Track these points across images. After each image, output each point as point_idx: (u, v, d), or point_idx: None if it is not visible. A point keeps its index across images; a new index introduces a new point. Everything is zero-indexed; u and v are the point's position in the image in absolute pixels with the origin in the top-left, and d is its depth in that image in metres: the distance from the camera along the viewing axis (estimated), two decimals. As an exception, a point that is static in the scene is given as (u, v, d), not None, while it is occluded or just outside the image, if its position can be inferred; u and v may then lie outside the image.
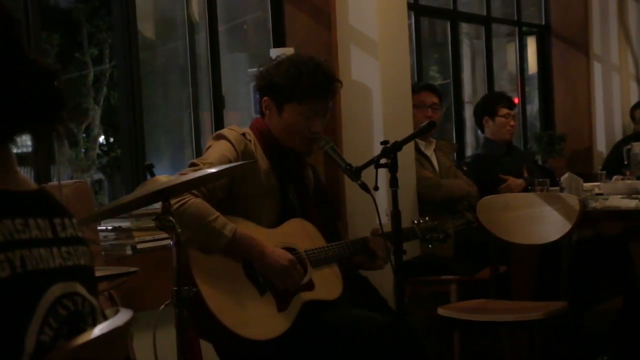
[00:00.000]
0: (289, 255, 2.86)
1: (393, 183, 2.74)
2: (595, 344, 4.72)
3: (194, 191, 2.77)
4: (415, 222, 3.29)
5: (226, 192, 2.90)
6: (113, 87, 9.49)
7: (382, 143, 2.81)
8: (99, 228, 3.48)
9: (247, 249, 2.82)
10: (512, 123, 5.50)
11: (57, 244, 1.33)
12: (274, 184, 3.01)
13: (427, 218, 3.35)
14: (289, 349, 2.82)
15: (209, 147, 3.00)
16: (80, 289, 1.35)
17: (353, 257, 3.14)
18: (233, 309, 2.75)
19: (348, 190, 4.65)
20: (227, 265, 2.81)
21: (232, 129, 3.03)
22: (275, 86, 3.02)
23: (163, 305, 2.57)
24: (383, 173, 2.82)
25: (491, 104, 5.57)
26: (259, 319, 2.78)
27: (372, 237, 3.12)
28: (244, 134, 3.01)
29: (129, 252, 3.52)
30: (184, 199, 2.73)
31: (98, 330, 1.31)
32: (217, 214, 2.78)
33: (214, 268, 2.78)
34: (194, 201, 2.74)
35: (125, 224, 3.54)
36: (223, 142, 2.95)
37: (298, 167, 3.14)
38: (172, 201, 2.43)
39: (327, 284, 2.97)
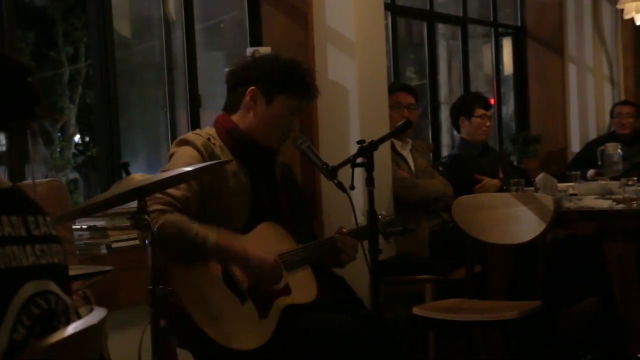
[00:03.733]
0: (272, 257, 2.86)
1: (369, 182, 2.73)
2: (571, 343, 4.75)
3: (167, 207, 2.73)
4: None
5: (199, 198, 2.86)
6: (89, 86, 9.44)
7: (358, 142, 2.80)
8: (73, 227, 3.46)
9: (230, 257, 2.82)
10: (487, 124, 5.53)
11: (31, 242, 1.32)
12: (244, 183, 2.97)
13: (383, 212, 3.34)
14: (271, 355, 2.82)
15: (173, 154, 2.94)
16: (54, 287, 1.34)
17: (323, 257, 3.14)
18: (217, 320, 2.74)
19: (324, 190, 4.65)
20: (207, 277, 2.79)
21: (197, 134, 2.98)
22: (269, 76, 2.98)
23: (144, 329, 2.52)
24: (359, 172, 2.81)
25: (467, 104, 5.60)
26: (242, 329, 2.77)
27: (338, 236, 3.12)
28: (209, 138, 2.95)
29: (104, 251, 3.50)
30: (160, 218, 2.68)
31: (72, 328, 1.30)
32: (196, 229, 2.74)
33: (194, 280, 2.77)
34: (170, 218, 2.71)
35: (100, 223, 3.51)
36: (187, 149, 2.90)
37: (268, 162, 3.12)
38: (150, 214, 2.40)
39: (302, 287, 2.97)
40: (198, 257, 2.77)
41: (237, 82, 3.06)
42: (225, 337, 2.70)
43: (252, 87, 3.00)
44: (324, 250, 3.11)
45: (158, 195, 2.68)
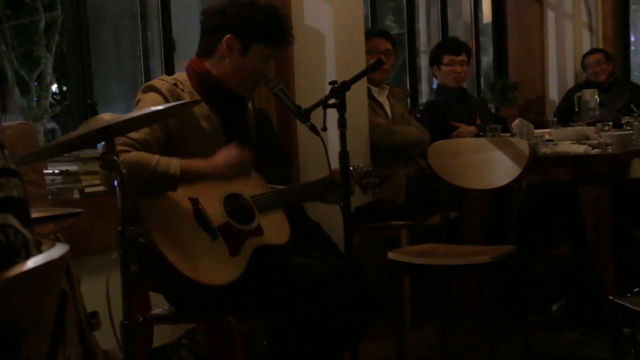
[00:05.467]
0: (233, 149, 2.84)
1: (341, 123, 2.71)
2: (545, 288, 4.79)
3: (125, 147, 2.69)
4: (352, 167, 3.27)
5: (162, 144, 2.83)
6: (65, 34, 9.30)
7: (330, 83, 2.78)
8: (45, 172, 3.43)
9: (198, 175, 2.80)
10: (458, 69, 5.46)
11: (-13, 175, 1.30)
12: (217, 127, 2.94)
13: (360, 164, 3.34)
14: (241, 295, 2.81)
15: (139, 100, 2.90)
16: (13, 221, 1.31)
17: (301, 203, 3.13)
18: (187, 256, 2.72)
19: (300, 135, 4.63)
20: (178, 214, 2.77)
21: (162, 79, 2.94)
22: (248, 25, 2.93)
23: (114, 255, 2.52)
24: (333, 115, 2.79)
25: (437, 52, 5.58)
26: (213, 265, 2.76)
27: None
28: (175, 83, 2.91)
29: (76, 196, 3.47)
30: (120, 157, 2.63)
31: (31, 263, 1.28)
32: (157, 158, 2.72)
33: (166, 218, 2.74)
34: (128, 156, 2.66)
35: (72, 167, 3.48)
36: (152, 95, 2.86)
37: (239, 108, 3.09)
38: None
39: (275, 228, 2.96)
40: (165, 187, 2.74)
41: (212, 27, 3.00)
42: (195, 271, 2.69)
43: (228, 35, 2.95)
44: (304, 196, 3.10)
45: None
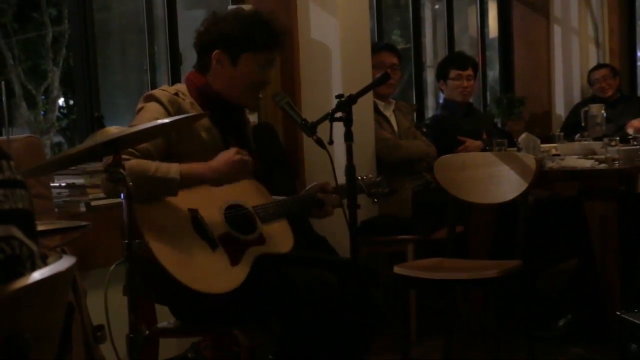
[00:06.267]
0: (232, 151, 2.85)
1: (348, 137, 2.71)
2: (551, 304, 4.77)
3: (125, 156, 2.68)
4: (359, 177, 3.27)
5: (163, 154, 2.84)
6: (72, 49, 9.31)
7: (337, 96, 2.78)
8: (52, 184, 3.44)
9: (198, 178, 2.81)
10: (464, 84, 5.47)
11: (-7, 186, 1.29)
12: (217, 138, 2.97)
13: (370, 175, 3.35)
14: (245, 303, 2.81)
15: (140, 109, 2.93)
16: (18, 233, 1.31)
17: (303, 213, 3.13)
18: (187, 266, 2.72)
19: (306, 148, 4.63)
20: (176, 224, 2.77)
21: (163, 89, 2.97)
22: (229, 37, 2.97)
23: (114, 265, 2.52)
24: (340, 129, 2.79)
25: (443, 67, 5.58)
26: (213, 274, 2.76)
27: (322, 195, 3.11)
28: (176, 93, 2.95)
29: (82, 209, 3.48)
30: None
31: (38, 275, 1.27)
32: (156, 164, 2.74)
33: (163, 228, 2.74)
34: (128, 163, 2.66)
35: (79, 180, 3.49)
36: (153, 104, 2.89)
37: (238, 119, 3.11)
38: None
39: (277, 237, 2.96)
40: (165, 192, 2.75)
41: (202, 46, 3.06)
42: (195, 280, 2.69)
43: (216, 51, 3.00)
44: (304, 205, 3.10)
45: None
